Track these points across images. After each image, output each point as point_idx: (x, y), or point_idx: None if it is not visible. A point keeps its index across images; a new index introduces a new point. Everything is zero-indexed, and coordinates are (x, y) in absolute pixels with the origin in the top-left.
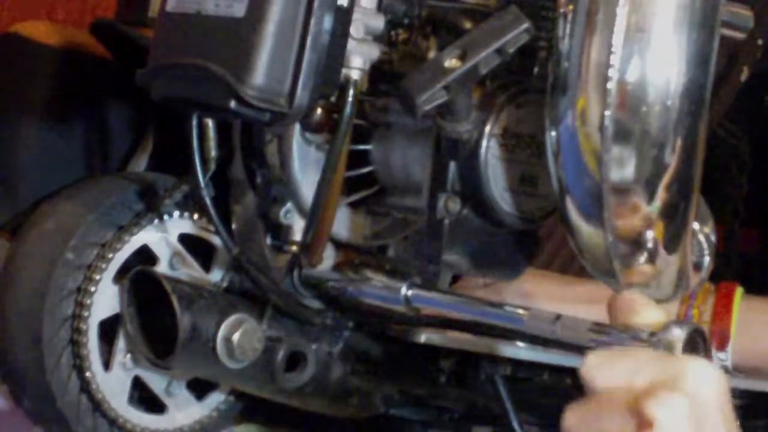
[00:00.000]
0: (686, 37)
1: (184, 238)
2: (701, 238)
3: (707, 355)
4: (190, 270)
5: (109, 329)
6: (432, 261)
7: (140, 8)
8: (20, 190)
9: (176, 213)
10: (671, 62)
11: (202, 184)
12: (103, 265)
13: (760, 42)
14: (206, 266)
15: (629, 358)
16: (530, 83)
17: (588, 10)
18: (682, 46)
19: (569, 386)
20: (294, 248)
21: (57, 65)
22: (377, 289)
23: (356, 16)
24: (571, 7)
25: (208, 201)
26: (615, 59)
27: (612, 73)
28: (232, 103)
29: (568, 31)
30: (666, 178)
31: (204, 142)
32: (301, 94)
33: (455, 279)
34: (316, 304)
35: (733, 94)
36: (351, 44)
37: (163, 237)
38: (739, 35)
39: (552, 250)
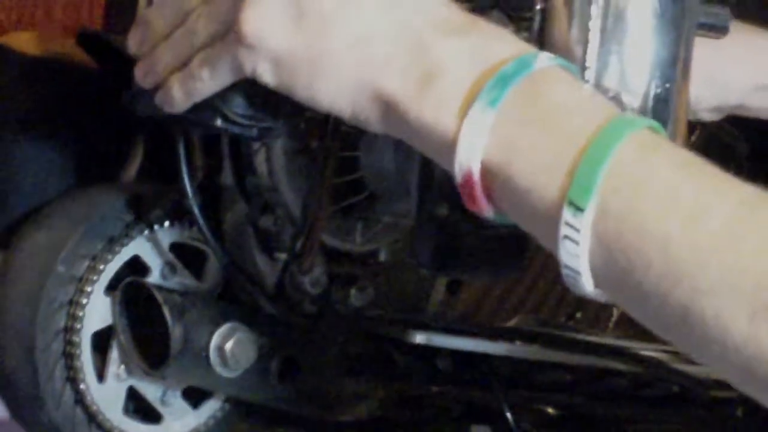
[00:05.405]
0: (662, 40)
1: (175, 247)
2: None
3: None
4: (182, 279)
5: (102, 341)
6: (423, 265)
7: (128, 17)
8: (12, 202)
9: (167, 222)
10: (647, 67)
11: (190, 194)
12: (95, 277)
13: None
14: (198, 275)
15: None
16: None
17: (565, 15)
18: (659, 49)
19: (568, 382)
20: (285, 255)
21: (44, 76)
22: None
23: None
24: (547, 11)
25: (196, 210)
26: (591, 67)
27: (588, 76)
28: (219, 122)
29: (545, 36)
30: None
31: (191, 152)
32: (287, 108)
33: (453, 281)
34: (309, 310)
35: None
36: None
37: (154, 247)
38: (717, 37)
39: (548, 252)
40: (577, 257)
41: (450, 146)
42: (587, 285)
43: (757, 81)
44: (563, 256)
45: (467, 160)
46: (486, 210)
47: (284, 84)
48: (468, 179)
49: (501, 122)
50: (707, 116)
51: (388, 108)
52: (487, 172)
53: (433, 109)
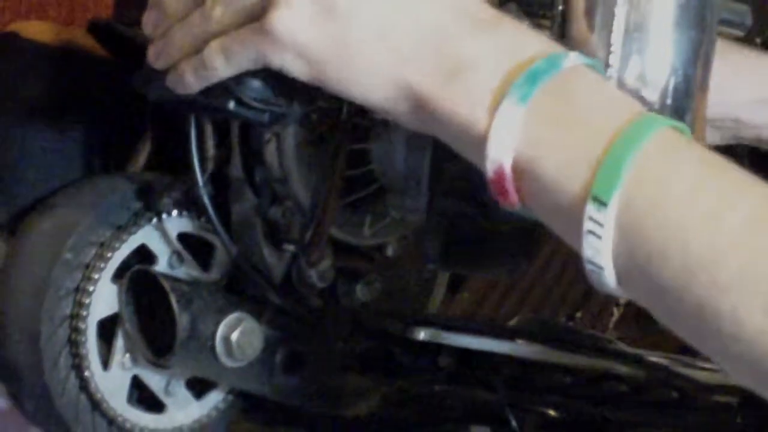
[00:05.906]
0: (685, 35)
1: (183, 237)
2: None
3: None
4: (189, 269)
5: (107, 328)
6: (431, 260)
7: (138, 7)
8: (18, 189)
9: (175, 212)
10: (670, 61)
11: (201, 184)
12: (102, 265)
13: (758, 40)
14: (205, 265)
15: None
16: None
17: (586, 10)
18: (681, 45)
19: (569, 385)
20: (293, 247)
21: (54, 64)
22: None
23: None
24: (569, 6)
25: (206, 199)
26: (614, 59)
27: (611, 72)
28: (231, 105)
29: (566, 30)
30: None
31: (202, 141)
32: (300, 94)
33: (454, 277)
34: (315, 303)
35: None
36: None
37: (161, 236)
38: (738, 32)
39: (552, 249)
40: (600, 252)
41: (480, 141)
42: (610, 280)
43: (758, 95)
44: (586, 251)
45: (498, 156)
46: (516, 204)
47: (315, 78)
48: (499, 174)
49: (530, 119)
50: (708, 135)
51: (417, 102)
52: (515, 167)
53: (462, 104)
